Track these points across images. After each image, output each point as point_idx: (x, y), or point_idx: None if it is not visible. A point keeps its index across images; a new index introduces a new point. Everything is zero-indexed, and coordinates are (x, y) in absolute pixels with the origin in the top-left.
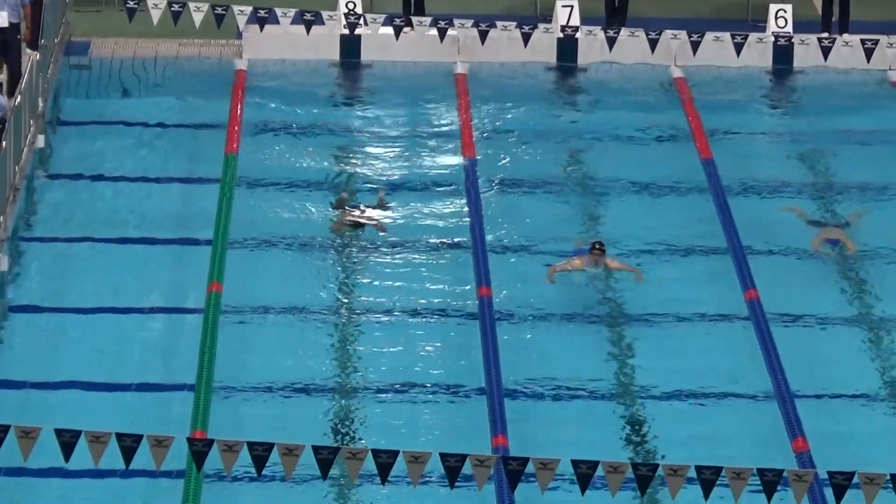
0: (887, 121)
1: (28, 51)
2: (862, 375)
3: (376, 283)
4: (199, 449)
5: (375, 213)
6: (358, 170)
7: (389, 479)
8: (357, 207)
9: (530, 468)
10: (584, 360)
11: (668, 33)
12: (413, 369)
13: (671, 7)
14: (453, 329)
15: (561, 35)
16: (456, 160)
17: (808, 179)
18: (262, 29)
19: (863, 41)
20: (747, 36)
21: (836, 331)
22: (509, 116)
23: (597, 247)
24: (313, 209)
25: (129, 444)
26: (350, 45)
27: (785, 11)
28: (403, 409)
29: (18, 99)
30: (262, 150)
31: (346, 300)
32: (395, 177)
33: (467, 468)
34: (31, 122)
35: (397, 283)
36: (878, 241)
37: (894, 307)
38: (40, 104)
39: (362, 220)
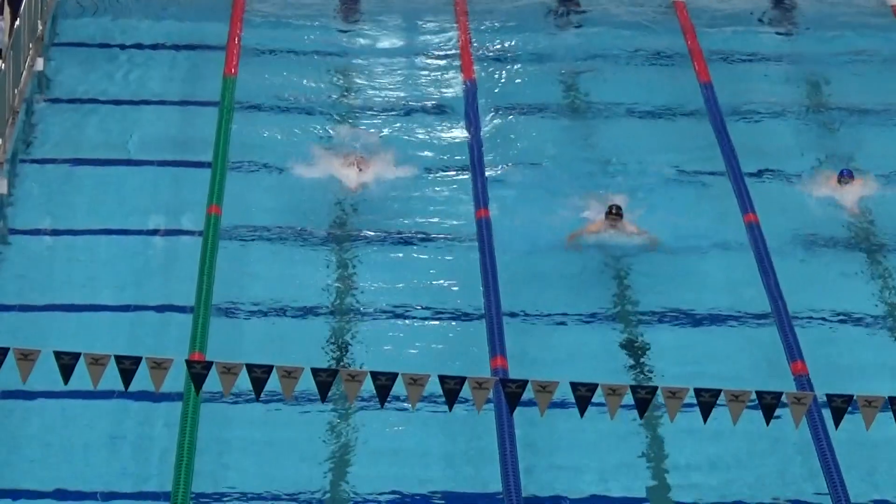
0: (887, 45)
1: None
2: (862, 300)
3: (375, 206)
4: (197, 371)
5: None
6: (357, 92)
7: (388, 402)
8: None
9: (529, 391)
10: (583, 285)
11: None
12: (412, 292)
13: None
14: (453, 252)
15: None
16: (455, 82)
17: (807, 103)
18: None
19: None
20: None
21: (838, 254)
22: (508, 38)
23: (613, 211)
24: (312, 132)
25: (127, 366)
26: None
27: None
28: (402, 333)
29: (18, 22)
30: (262, 73)
31: (344, 223)
32: (394, 99)
33: (466, 392)
34: (31, 44)
35: (396, 207)
36: (875, 162)
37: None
38: (39, 27)
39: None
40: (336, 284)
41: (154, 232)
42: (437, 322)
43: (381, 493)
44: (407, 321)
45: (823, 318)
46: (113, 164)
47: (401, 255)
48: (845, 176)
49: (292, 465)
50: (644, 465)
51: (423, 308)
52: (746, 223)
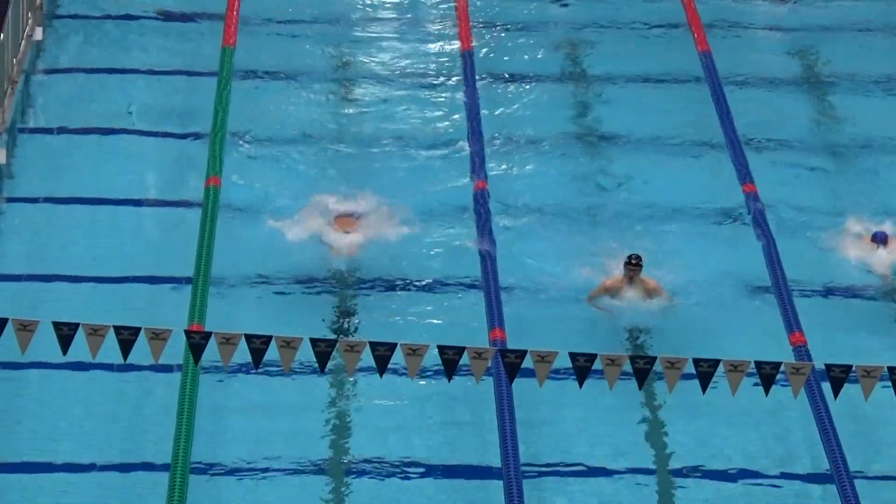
0: (888, 15)
1: None
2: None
3: (372, 181)
4: (196, 342)
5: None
6: (355, 59)
7: (387, 373)
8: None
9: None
10: (574, 264)
11: None
12: (411, 264)
13: None
14: (450, 222)
15: None
16: (453, 51)
17: (805, 74)
18: None
19: None
20: None
21: (838, 227)
22: (506, 6)
23: (632, 261)
24: (311, 101)
25: (126, 336)
26: None
27: None
28: (400, 304)
29: None
30: (260, 43)
31: (342, 202)
32: (393, 67)
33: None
34: (30, 14)
35: (395, 177)
36: (871, 129)
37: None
38: None
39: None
40: (333, 259)
41: (153, 202)
42: (433, 293)
43: (377, 463)
44: (407, 293)
45: None
46: (112, 134)
47: (401, 224)
48: (879, 239)
49: (291, 435)
50: (646, 435)
51: (420, 281)
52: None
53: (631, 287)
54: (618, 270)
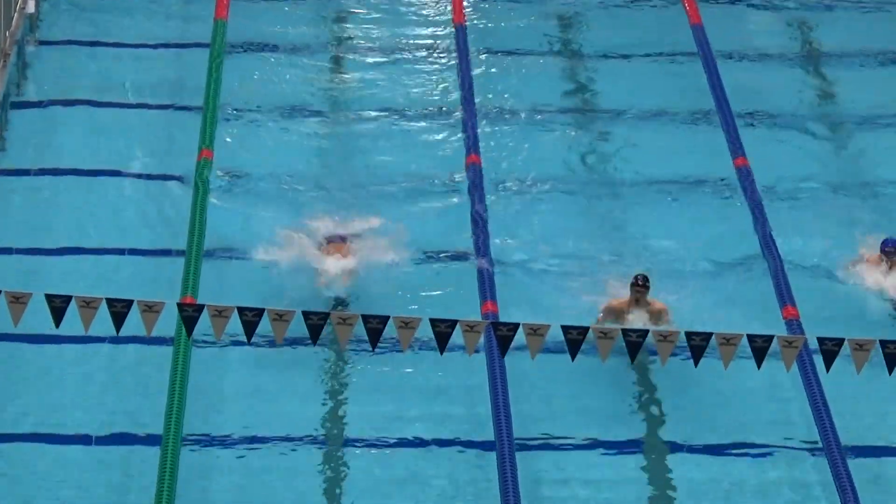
0: None
1: None
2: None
3: (371, 158)
4: (189, 314)
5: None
6: (348, 34)
7: (379, 345)
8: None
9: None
10: (569, 237)
11: None
12: (411, 236)
13: None
14: (440, 202)
15: None
16: (446, 25)
17: (800, 49)
18: None
19: None
20: None
21: (825, 203)
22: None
23: (639, 282)
24: (304, 73)
25: (119, 309)
26: None
27: None
28: (399, 277)
29: None
30: (252, 15)
31: (337, 180)
32: (384, 41)
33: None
34: None
35: (389, 159)
36: (864, 97)
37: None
38: None
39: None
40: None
41: (145, 176)
42: (431, 264)
43: (372, 435)
44: (406, 265)
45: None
46: (104, 107)
47: (400, 208)
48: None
49: (284, 407)
50: (638, 408)
51: (418, 255)
52: (737, 167)
53: (637, 308)
54: (623, 288)
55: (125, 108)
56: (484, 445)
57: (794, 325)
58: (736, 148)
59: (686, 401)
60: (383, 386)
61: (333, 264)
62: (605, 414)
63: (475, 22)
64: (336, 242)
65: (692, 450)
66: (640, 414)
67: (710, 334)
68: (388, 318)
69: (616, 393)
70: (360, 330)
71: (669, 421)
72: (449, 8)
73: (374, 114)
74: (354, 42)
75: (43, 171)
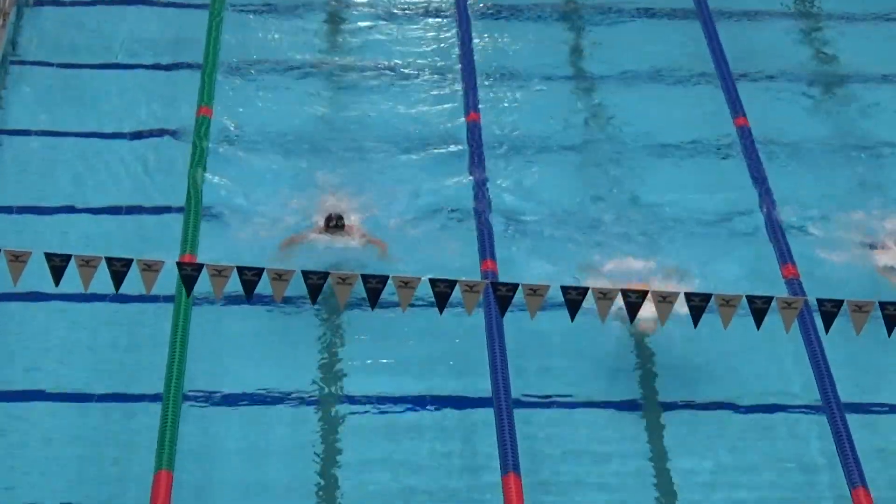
0: None
1: None
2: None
3: (370, 113)
4: (188, 273)
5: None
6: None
7: (379, 304)
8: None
9: (519, 294)
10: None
11: None
12: (411, 198)
13: None
14: (441, 163)
15: None
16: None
17: (800, 8)
18: None
19: None
20: None
21: (826, 162)
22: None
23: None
24: (304, 31)
25: (118, 268)
26: None
27: None
28: (397, 236)
29: None
30: None
31: (335, 130)
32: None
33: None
34: None
35: (387, 118)
36: (862, 58)
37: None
38: None
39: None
40: (329, 196)
41: (145, 134)
42: (430, 221)
43: (371, 395)
44: (407, 225)
45: None
46: (104, 68)
47: (397, 165)
48: None
49: (282, 367)
50: (638, 370)
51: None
52: (737, 126)
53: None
54: (625, 244)
55: (124, 66)
56: (481, 402)
57: (794, 284)
58: (736, 108)
59: (685, 359)
60: (382, 345)
61: (332, 241)
62: (605, 373)
63: None
64: (335, 219)
65: (692, 406)
66: (639, 372)
67: (710, 295)
68: (387, 277)
69: (616, 352)
70: (359, 289)
71: (668, 378)
72: None
73: (373, 72)
74: None
75: (43, 132)
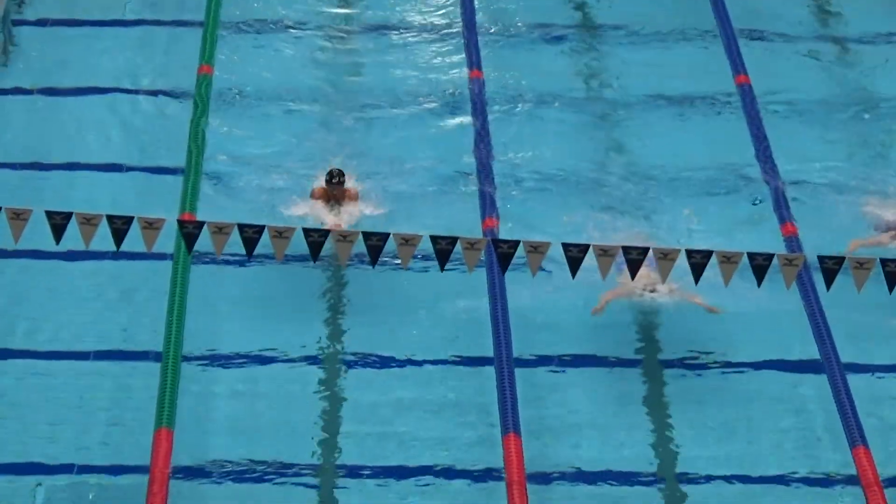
0: None
1: None
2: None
3: (371, 74)
4: (189, 231)
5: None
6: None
7: (379, 263)
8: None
9: (520, 252)
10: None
11: None
12: (412, 153)
13: None
14: (443, 122)
15: None
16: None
17: None
18: None
19: None
20: None
21: (830, 119)
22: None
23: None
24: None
25: (119, 226)
26: None
27: None
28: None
29: None
30: None
31: (337, 89)
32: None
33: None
34: None
35: (393, 74)
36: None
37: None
38: None
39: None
40: (331, 152)
41: (144, 91)
42: (431, 187)
43: (371, 354)
44: (406, 187)
45: None
46: (105, 25)
47: (397, 124)
48: None
49: (282, 325)
50: (639, 330)
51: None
52: (737, 84)
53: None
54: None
55: (126, 24)
56: (482, 362)
57: (793, 242)
58: (737, 66)
59: (686, 322)
60: (382, 305)
61: (336, 210)
62: (607, 334)
63: None
64: (339, 187)
65: (692, 366)
66: (642, 334)
67: (711, 252)
68: (388, 235)
69: (617, 312)
70: (360, 247)
71: (671, 342)
72: None
73: (374, 32)
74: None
75: (44, 91)
